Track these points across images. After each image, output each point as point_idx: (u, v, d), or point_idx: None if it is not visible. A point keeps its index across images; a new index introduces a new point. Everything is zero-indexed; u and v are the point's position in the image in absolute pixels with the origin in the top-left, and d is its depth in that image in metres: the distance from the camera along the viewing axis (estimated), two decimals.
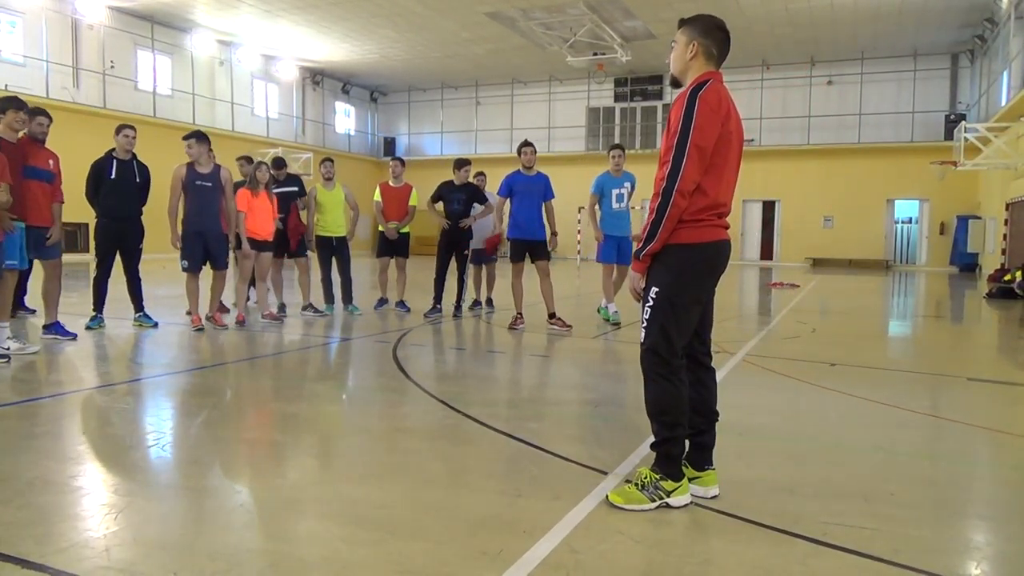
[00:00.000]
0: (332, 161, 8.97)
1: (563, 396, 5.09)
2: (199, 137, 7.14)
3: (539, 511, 2.73)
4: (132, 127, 7.18)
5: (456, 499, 2.88)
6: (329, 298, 8.81)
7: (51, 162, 6.17)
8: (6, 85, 18.94)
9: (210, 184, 7.09)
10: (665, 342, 2.79)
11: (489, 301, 9.45)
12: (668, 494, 2.77)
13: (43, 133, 6.20)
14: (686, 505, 2.79)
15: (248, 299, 8.20)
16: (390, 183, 9.18)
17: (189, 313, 7.85)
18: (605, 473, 3.19)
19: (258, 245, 7.66)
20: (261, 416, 4.39)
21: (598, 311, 8.87)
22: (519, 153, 8.01)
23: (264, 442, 3.85)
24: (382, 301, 9.33)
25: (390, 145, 32.75)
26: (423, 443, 3.75)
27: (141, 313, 7.38)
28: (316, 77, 29.88)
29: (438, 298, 8.92)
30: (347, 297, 8.83)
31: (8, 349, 5.50)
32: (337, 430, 4.12)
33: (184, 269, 7.19)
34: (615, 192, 8.26)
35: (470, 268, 9.00)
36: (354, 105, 32.70)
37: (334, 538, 2.49)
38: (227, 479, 3.19)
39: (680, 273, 2.79)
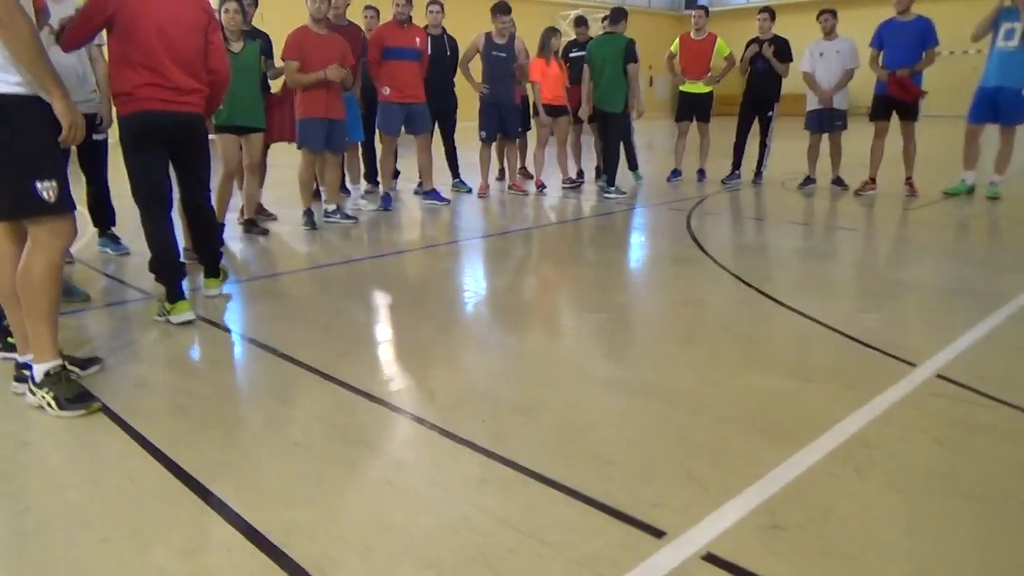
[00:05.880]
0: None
1: (871, 275, 4.67)
2: (509, 10, 7.35)
3: (829, 400, 2.63)
4: (438, 1, 7.59)
5: (742, 377, 2.87)
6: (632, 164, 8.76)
7: (418, 40, 6.76)
8: None
9: (504, 55, 7.33)
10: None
11: (838, 179, 7.86)
12: (167, 313, 3.58)
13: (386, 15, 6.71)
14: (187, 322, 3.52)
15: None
16: (691, 34, 8.57)
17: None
18: (912, 364, 2.93)
19: (554, 111, 7.87)
20: (555, 279, 4.69)
21: (951, 191, 7.24)
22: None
23: (555, 307, 4.13)
24: (675, 173, 8.81)
25: None
26: (713, 317, 3.75)
27: (458, 180, 8.10)
28: None
29: (737, 163, 8.50)
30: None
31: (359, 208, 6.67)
32: (623, 299, 4.25)
33: (481, 139, 7.60)
34: (1005, 27, 6.62)
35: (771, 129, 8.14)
36: None
37: (619, 404, 2.66)
38: (522, 334, 3.51)
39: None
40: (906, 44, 6.97)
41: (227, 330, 3.56)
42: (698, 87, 8.58)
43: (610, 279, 4.66)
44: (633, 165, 8.69)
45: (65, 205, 2.51)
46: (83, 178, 4.83)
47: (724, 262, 4.78)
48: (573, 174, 8.53)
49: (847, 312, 3.72)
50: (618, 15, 7.62)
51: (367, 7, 7.70)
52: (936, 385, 2.75)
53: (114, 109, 3.63)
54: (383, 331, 3.63)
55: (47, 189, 2.43)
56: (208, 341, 3.41)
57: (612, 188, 7.64)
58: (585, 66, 7.63)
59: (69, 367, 2.78)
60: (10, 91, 2.37)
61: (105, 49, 4.78)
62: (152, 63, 3.43)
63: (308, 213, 6.07)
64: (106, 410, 2.57)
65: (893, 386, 2.73)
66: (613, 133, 7.74)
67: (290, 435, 2.39)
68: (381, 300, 4.13)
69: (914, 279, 4.45)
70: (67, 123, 2.43)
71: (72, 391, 2.56)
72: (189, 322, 3.54)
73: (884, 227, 6.31)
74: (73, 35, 3.32)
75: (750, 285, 4.20)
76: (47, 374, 2.56)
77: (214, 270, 4.10)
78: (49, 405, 2.53)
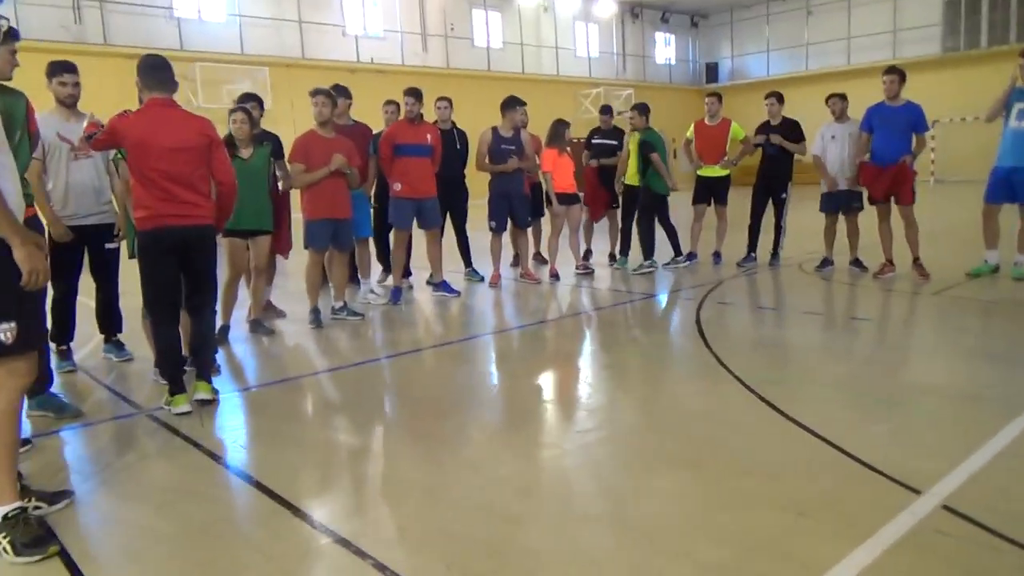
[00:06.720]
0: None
1: (883, 377, 4.43)
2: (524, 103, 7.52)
3: (823, 539, 2.43)
4: (445, 97, 7.76)
5: (734, 511, 2.67)
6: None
7: (429, 136, 6.84)
8: (372, 58, 21.91)
9: (513, 148, 7.39)
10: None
11: (857, 261, 7.63)
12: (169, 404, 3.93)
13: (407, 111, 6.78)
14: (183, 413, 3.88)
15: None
16: (706, 121, 8.62)
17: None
18: (918, 492, 2.73)
19: (567, 199, 7.93)
20: (553, 386, 4.57)
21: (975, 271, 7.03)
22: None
23: (548, 420, 3.99)
24: (691, 256, 8.66)
25: (712, 71, 31.27)
26: (709, 435, 3.49)
27: (470, 269, 8.10)
28: (635, 9, 29.52)
29: (752, 246, 8.40)
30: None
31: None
32: (619, 408, 4.09)
33: (491, 229, 7.60)
34: (1017, 107, 6.56)
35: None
36: (674, 32, 31.75)
37: (596, 546, 2.49)
38: (507, 454, 3.36)
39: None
40: (896, 130, 6.95)
41: (207, 452, 3.47)
42: (715, 171, 8.56)
43: (610, 385, 4.53)
44: (650, 252, 8.54)
45: (24, 346, 2.50)
46: (94, 285, 4.92)
47: (731, 363, 4.59)
48: (583, 258, 8.50)
49: (853, 424, 3.52)
50: (646, 109, 8.22)
51: (387, 102, 7.73)
52: (941, 519, 2.54)
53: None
54: (365, 454, 3.52)
55: (5, 331, 2.42)
56: (184, 467, 3.32)
57: (647, 262, 8.20)
58: (654, 155, 7.95)
59: (37, 502, 2.73)
60: None
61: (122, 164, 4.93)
62: (160, 183, 3.80)
63: (315, 311, 6.08)
64: (63, 553, 2.49)
65: (894, 520, 2.52)
66: (664, 210, 8.24)
67: None
68: (371, 415, 4.03)
69: (928, 380, 4.24)
70: (27, 269, 2.44)
71: (29, 535, 2.49)
72: (186, 413, 3.90)
73: (901, 317, 6.11)
74: (100, 145, 4.05)
75: (753, 392, 4.02)
76: (5, 517, 2.50)
77: (206, 377, 4.11)
78: (5, 551, 2.46)
